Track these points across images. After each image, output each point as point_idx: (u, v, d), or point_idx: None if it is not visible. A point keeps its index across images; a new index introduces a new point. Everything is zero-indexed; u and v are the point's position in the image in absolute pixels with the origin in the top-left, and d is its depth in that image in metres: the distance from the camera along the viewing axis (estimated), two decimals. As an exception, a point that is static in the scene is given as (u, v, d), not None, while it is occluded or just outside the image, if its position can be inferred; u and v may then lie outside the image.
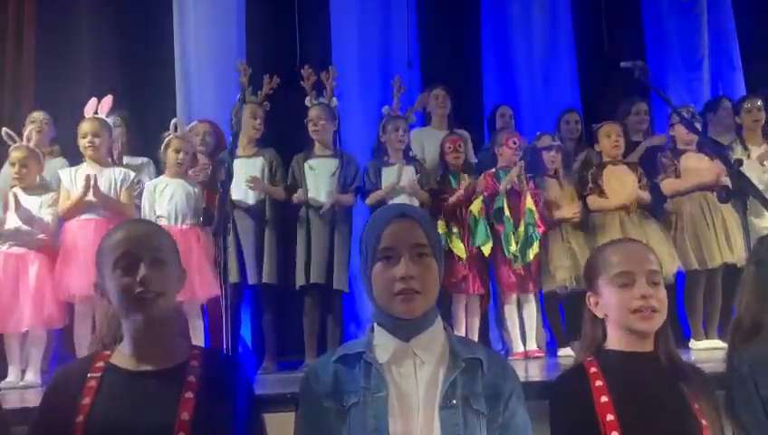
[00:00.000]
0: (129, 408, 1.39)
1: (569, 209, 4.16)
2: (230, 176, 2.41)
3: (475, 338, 4.02)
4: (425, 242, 1.44)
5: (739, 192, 2.44)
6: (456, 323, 4.03)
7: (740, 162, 2.48)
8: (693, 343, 4.09)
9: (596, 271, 1.65)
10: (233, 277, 3.76)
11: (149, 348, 1.48)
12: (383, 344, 1.46)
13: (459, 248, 3.99)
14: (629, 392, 1.49)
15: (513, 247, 3.98)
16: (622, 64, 2.76)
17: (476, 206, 4.04)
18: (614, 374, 1.56)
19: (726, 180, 3.77)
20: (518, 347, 4.03)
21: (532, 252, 4.00)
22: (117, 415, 1.39)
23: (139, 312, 1.43)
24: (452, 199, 4.06)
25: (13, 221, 3.64)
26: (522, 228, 4.00)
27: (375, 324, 1.49)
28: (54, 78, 4.92)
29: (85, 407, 1.39)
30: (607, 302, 1.61)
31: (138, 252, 1.45)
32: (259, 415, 1.57)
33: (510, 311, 4.09)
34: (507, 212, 4.00)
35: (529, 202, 4.05)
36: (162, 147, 3.91)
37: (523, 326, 4.09)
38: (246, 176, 3.94)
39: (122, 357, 1.49)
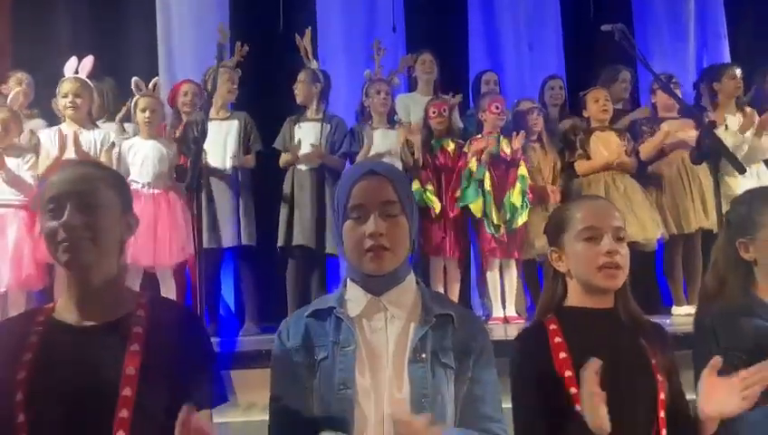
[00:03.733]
0: (72, 364, 1.30)
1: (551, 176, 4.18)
2: (203, 133, 2.38)
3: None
4: (394, 199, 1.43)
5: (711, 153, 2.44)
6: (433, 287, 4.04)
7: (713, 124, 2.48)
8: (675, 309, 4.13)
9: (561, 226, 1.64)
10: (210, 241, 3.78)
11: (91, 300, 1.38)
12: (355, 299, 1.46)
13: (434, 202, 3.98)
14: (588, 348, 1.49)
15: (495, 218, 3.98)
16: (603, 27, 2.75)
17: (473, 165, 4.02)
18: (573, 331, 1.57)
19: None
20: (498, 312, 4.05)
21: (522, 219, 4.01)
22: (60, 372, 1.31)
23: (63, 254, 1.33)
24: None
25: None
26: (513, 195, 3.99)
27: (348, 280, 1.50)
28: (32, 38, 4.86)
29: (26, 363, 1.31)
30: (571, 256, 1.61)
31: (64, 195, 1.35)
32: (215, 366, 1.48)
33: (492, 276, 4.10)
34: (488, 184, 3.99)
35: (522, 169, 4.04)
36: (132, 108, 3.89)
37: (504, 292, 4.12)
38: (221, 138, 3.93)
39: (65, 310, 1.40)
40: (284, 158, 4.06)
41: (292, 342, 1.45)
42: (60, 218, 1.33)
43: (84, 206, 1.35)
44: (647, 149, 4.23)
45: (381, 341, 1.42)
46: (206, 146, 3.77)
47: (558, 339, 1.55)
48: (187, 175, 2.03)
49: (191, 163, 2.07)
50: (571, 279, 1.64)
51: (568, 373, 1.50)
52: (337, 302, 1.47)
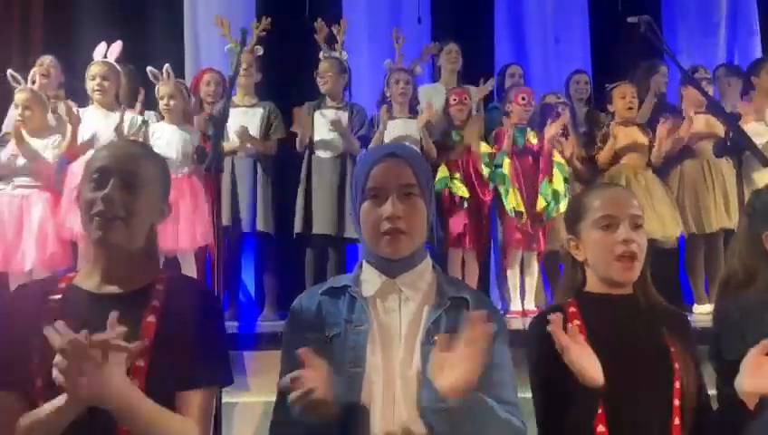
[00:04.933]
0: (88, 330, 1.27)
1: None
2: (225, 116, 2.39)
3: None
4: (413, 182, 1.42)
5: (735, 147, 2.39)
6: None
7: (738, 116, 2.43)
8: (696, 308, 4.08)
9: (578, 214, 1.64)
10: (231, 224, 3.83)
11: (112, 269, 1.41)
12: (370, 279, 1.46)
13: (462, 189, 3.96)
14: (606, 333, 1.49)
15: (516, 204, 3.96)
16: (629, 19, 2.71)
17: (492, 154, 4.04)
18: (592, 315, 1.56)
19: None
20: (516, 305, 4.04)
21: (564, 205, 3.94)
22: None
23: (96, 230, 1.36)
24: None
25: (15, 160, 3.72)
26: (555, 182, 3.98)
27: (364, 261, 1.50)
28: (63, 26, 4.93)
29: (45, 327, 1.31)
30: (588, 245, 1.60)
31: (110, 169, 1.38)
32: (225, 347, 1.49)
33: (512, 270, 4.09)
34: (506, 169, 3.98)
35: (558, 157, 4.03)
36: (156, 95, 3.95)
37: (524, 286, 4.10)
38: (247, 125, 3.95)
39: (86, 278, 1.43)
40: (301, 139, 4.04)
41: (306, 318, 1.45)
42: (101, 190, 1.35)
43: (127, 184, 1.37)
44: (668, 138, 4.14)
45: (394, 322, 1.41)
46: (230, 131, 3.91)
47: (576, 321, 1.54)
48: (208, 157, 2.05)
49: (212, 145, 2.08)
50: (588, 267, 1.63)
51: None
52: (352, 281, 1.47)
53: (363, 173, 1.45)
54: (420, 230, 1.44)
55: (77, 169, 3.68)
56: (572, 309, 1.59)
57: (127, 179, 1.38)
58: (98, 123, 3.84)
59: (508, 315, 3.96)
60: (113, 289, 1.40)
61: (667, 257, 4.15)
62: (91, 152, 3.66)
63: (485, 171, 4.01)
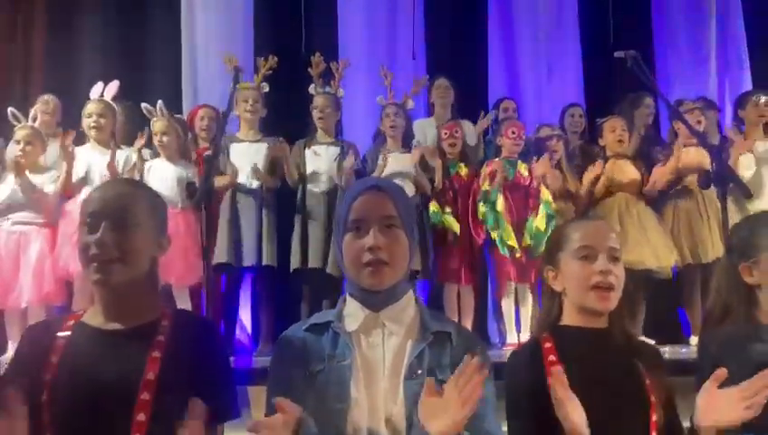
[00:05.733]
0: (95, 366, 1.36)
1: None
2: (215, 154, 2.42)
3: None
4: (394, 214, 1.44)
5: (719, 179, 2.42)
6: (447, 315, 4.04)
7: (721, 148, 2.47)
8: (692, 339, 4.06)
9: (558, 246, 1.66)
10: (231, 259, 3.86)
11: (115, 307, 1.44)
12: (353, 314, 1.47)
13: (454, 224, 3.99)
14: (582, 367, 1.50)
15: (510, 240, 3.97)
16: (616, 54, 2.77)
17: (485, 186, 4.04)
18: (568, 349, 1.57)
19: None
20: (512, 338, 4.02)
21: (541, 248, 3.96)
22: (83, 373, 1.36)
23: (94, 274, 1.40)
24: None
25: (12, 197, 3.76)
26: (537, 220, 3.98)
27: (347, 295, 1.51)
28: (63, 66, 5.01)
29: (53, 365, 1.37)
30: (566, 275, 1.62)
31: (100, 212, 1.41)
32: (231, 379, 1.52)
33: (507, 302, 4.09)
34: (500, 206, 3.99)
35: (546, 194, 4.04)
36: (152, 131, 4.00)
37: (520, 317, 4.09)
38: (250, 161, 4.00)
39: (93, 315, 1.47)
40: (293, 179, 4.08)
41: (291, 354, 1.46)
42: (95, 234, 1.39)
43: (118, 225, 1.40)
44: (660, 175, 4.19)
45: (378, 357, 1.42)
46: (232, 165, 3.94)
47: (552, 357, 1.56)
48: (197, 192, 2.07)
49: (201, 182, 2.11)
50: (566, 298, 1.65)
51: None
52: (335, 317, 1.48)
53: (345, 206, 1.47)
54: (402, 261, 1.45)
55: (70, 207, 3.73)
56: (548, 344, 1.60)
57: (119, 220, 1.41)
58: (93, 161, 3.89)
59: (505, 348, 3.95)
60: (118, 326, 1.43)
61: (663, 288, 4.16)
62: (86, 190, 3.73)
63: (482, 209, 4.03)
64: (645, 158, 4.35)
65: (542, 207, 4.01)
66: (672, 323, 4.41)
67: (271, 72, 4.25)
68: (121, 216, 1.42)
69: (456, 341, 1.46)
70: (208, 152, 3.21)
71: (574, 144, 4.74)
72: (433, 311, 1.58)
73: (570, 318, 1.64)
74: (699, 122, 4.16)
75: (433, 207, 4.02)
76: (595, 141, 4.49)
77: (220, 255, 3.87)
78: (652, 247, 3.95)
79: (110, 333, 1.43)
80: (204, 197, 2.05)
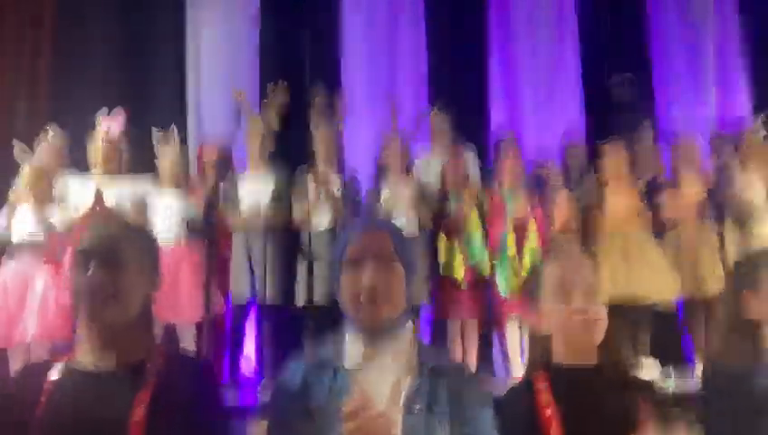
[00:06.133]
0: (83, 407, 1.35)
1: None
2: (216, 192, 2.39)
3: (474, 365, 4.04)
4: (391, 250, 1.46)
5: (716, 208, 2.43)
6: (451, 347, 4.05)
7: (720, 182, 2.47)
8: (698, 367, 4.05)
9: (536, 286, 1.67)
10: (239, 293, 3.85)
11: (106, 346, 1.43)
12: (352, 350, 1.48)
13: (458, 272, 4.00)
14: (574, 405, 1.50)
15: (514, 283, 3.97)
16: (612, 79, 2.78)
17: (473, 222, 4.05)
18: (560, 388, 1.57)
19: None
20: (517, 371, 4.01)
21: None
22: (71, 415, 1.36)
23: (86, 311, 1.40)
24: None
25: (20, 232, 3.76)
26: (527, 258, 4.00)
27: (347, 331, 1.51)
28: (69, 96, 5.05)
29: (42, 406, 1.37)
30: (547, 315, 1.63)
31: (90, 251, 1.41)
32: (224, 422, 1.52)
33: (510, 334, 4.08)
34: (512, 251, 4.01)
35: (532, 239, 4.05)
36: (158, 160, 4.01)
37: (524, 351, 4.08)
38: (257, 193, 4.01)
39: (82, 357, 1.45)
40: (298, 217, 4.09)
41: (291, 390, 1.47)
42: (85, 274, 1.39)
43: (108, 264, 1.40)
44: (667, 208, 4.19)
45: (376, 392, 1.42)
46: (244, 200, 3.94)
47: (544, 396, 1.56)
48: (200, 229, 2.07)
49: (203, 218, 2.11)
50: (553, 337, 1.65)
51: (553, 431, 1.51)
52: (335, 353, 1.49)
53: (342, 244, 1.49)
54: (400, 297, 1.46)
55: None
56: (540, 384, 1.60)
57: (109, 259, 1.40)
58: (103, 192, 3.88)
59: (510, 380, 3.94)
60: (108, 365, 1.42)
61: (668, 320, 4.16)
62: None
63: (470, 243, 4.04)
64: (647, 182, 4.33)
65: (527, 241, 4.02)
66: (677, 354, 4.39)
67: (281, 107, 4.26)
68: (112, 254, 1.41)
69: (453, 376, 1.47)
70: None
71: (576, 179, 4.74)
72: (431, 346, 1.61)
73: (560, 356, 1.64)
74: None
75: (442, 245, 4.04)
76: (596, 171, 4.50)
77: (236, 290, 3.88)
78: (656, 280, 3.94)
79: (99, 374, 1.41)
80: (205, 235, 2.05)
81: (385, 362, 1.45)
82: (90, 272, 1.39)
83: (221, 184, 3.16)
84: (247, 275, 3.93)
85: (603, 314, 1.58)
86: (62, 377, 1.41)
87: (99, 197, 3.74)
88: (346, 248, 1.47)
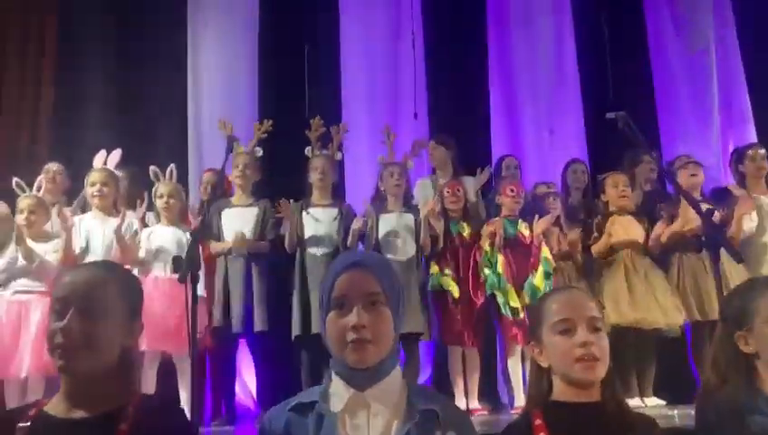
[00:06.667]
0: None
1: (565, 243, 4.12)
2: (202, 225, 2.41)
3: (475, 393, 3.98)
4: (377, 290, 1.43)
5: (710, 241, 2.40)
6: (453, 377, 4.00)
7: (711, 211, 2.45)
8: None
9: (538, 321, 1.64)
10: (224, 325, 3.84)
11: (79, 394, 1.42)
12: (338, 393, 1.44)
13: (453, 287, 3.95)
14: None
15: (512, 301, 3.91)
16: (607, 115, 2.78)
17: (487, 248, 4.01)
18: (559, 426, 1.54)
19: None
20: (519, 401, 3.91)
21: None
22: None
23: (58, 360, 1.38)
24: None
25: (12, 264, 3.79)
26: (536, 278, 3.93)
27: (333, 373, 1.48)
28: (70, 134, 5.13)
29: None
30: (549, 350, 1.60)
31: (68, 299, 1.40)
32: None
33: (513, 363, 4.00)
34: (500, 267, 3.95)
35: (545, 251, 4.00)
36: (153, 195, 4.03)
37: (526, 380, 4.01)
38: (242, 225, 4.02)
39: (57, 403, 1.44)
40: (291, 243, 4.07)
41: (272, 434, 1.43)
42: (61, 321, 1.37)
43: (86, 312, 1.39)
44: (666, 233, 4.12)
45: None
46: (225, 231, 3.98)
47: (543, 434, 1.52)
48: (182, 266, 2.06)
49: (186, 255, 2.10)
50: (553, 373, 1.61)
51: None
52: (320, 396, 1.45)
53: (329, 283, 1.45)
54: (386, 339, 1.43)
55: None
56: (538, 421, 1.56)
57: (86, 308, 1.39)
58: (95, 229, 3.91)
59: (512, 411, 3.86)
60: (81, 414, 1.40)
61: (673, 346, 4.07)
62: (89, 258, 3.75)
63: (486, 272, 3.99)
64: (649, 213, 4.30)
65: (541, 264, 3.97)
66: (685, 380, 4.29)
67: (266, 135, 4.30)
68: (89, 303, 1.40)
69: (443, 418, 1.42)
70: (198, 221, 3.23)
71: (577, 200, 4.73)
72: (421, 387, 1.56)
73: (560, 392, 1.60)
74: (694, 175, 4.15)
75: (433, 269, 4.00)
76: (598, 197, 4.47)
77: (216, 320, 3.87)
78: (660, 306, 3.87)
79: (72, 423, 1.39)
80: (187, 273, 2.04)
81: (373, 405, 1.41)
82: (66, 320, 1.37)
83: (203, 220, 3.20)
84: (233, 304, 3.89)
85: (606, 350, 1.55)
86: (33, 425, 1.39)
87: (89, 235, 3.76)
88: (332, 287, 1.44)
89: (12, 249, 3.82)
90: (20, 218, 3.86)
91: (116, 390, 1.44)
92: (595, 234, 4.19)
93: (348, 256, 1.59)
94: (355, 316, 1.39)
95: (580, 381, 1.55)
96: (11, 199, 4.03)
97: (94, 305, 1.40)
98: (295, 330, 3.91)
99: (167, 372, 3.75)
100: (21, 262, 3.78)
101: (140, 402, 1.44)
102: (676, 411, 3.48)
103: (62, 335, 1.37)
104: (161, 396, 1.60)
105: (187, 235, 3.90)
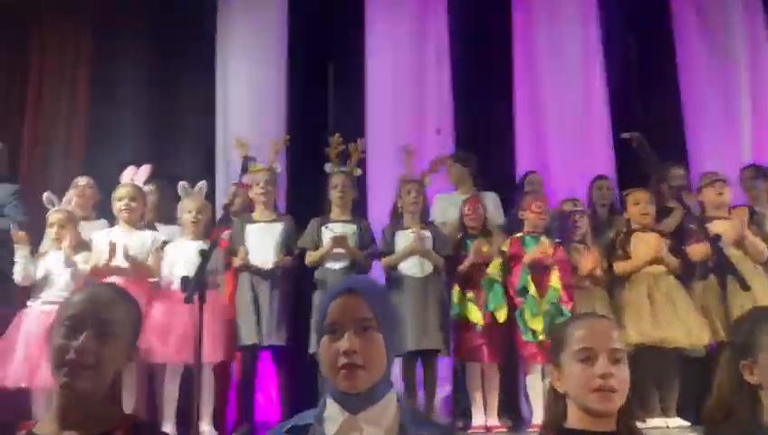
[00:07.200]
0: None
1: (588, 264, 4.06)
2: (213, 244, 2.46)
3: (495, 410, 3.95)
4: (370, 316, 1.44)
5: (719, 269, 2.36)
6: (471, 393, 3.97)
7: (718, 237, 2.41)
8: (732, 419, 3.88)
9: (559, 345, 1.62)
10: (249, 338, 3.87)
11: (72, 415, 1.42)
12: (332, 417, 1.44)
13: (476, 316, 3.93)
14: None
15: (536, 324, 3.86)
16: (622, 135, 2.77)
17: (494, 267, 3.99)
18: None
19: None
20: (537, 419, 3.87)
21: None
22: None
23: (64, 377, 1.39)
24: (462, 267, 4.05)
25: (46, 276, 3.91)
26: (544, 305, 3.90)
27: (327, 396, 1.49)
28: (103, 149, 5.26)
29: None
30: (567, 376, 1.58)
31: (84, 318, 1.42)
32: None
33: (532, 381, 3.96)
34: (532, 290, 3.91)
35: (554, 281, 3.94)
36: (181, 209, 4.10)
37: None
38: (264, 241, 4.06)
39: (46, 425, 1.44)
40: (313, 256, 4.11)
41: None
42: (73, 339, 1.39)
43: (100, 333, 1.42)
44: (699, 253, 4.05)
45: None
46: (249, 248, 4.02)
47: None
48: (189, 287, 2.10)
49: (194, 275, 2.14)
50: (569, 399, 1.60)
51: None
52: (315, 419, 1.45)
53: (322, 309, 1.47)
54: (379, 364, 1.43)
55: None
56: None
57: (101, 328, 1.42)
58: (122, 242, 3.95)
59: (530, 429, 3.83)
60: (73, 434, 1.41)
61: (699, 367, 3.99)
62: (116, 278, 3.79)
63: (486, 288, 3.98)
64: (680, 230, 4.25)
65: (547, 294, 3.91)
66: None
67: (279, 152, 4.35)
68: (104, 324, 1.43)
69: None
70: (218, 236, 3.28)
71: (603, 217, 4.68)
72: (415, 411, 1.57)
73: (575, 420, 1.59)
74: (721, 194, 4.08)
75: (455, 295, 4.00)
76: (622, 214, 4.43)
77: (245, 336, 3.90)
78: (683, 325, 3.80)
79: None
80: (193, 294, 2.08)
81: (366, 428, 1.42)
82: (82, 339, 1.39)
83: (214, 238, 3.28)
84: (253, 319, 3.93)
85: (625, 382, 1.54)
86: None
87: (112, 249, 3.83)
88: (326, 313, 1.46)
89: (50, 259, 3.92)
90: (50, 232, 3.97)
91: (106, 413, 1.46)
92: (619, 251, 4.15)
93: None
94: (346, 342, 1.40)
95: (597, 411, 1.54)
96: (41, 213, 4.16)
97: (109, 327, 1.44)
98: (313, 346, 3.92)
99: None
100: (54, 272, 3.87)
101: (130, 426, 1.46)
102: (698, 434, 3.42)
103: (75, 353, 1.38)
104: (151, 422, 1.60)
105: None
